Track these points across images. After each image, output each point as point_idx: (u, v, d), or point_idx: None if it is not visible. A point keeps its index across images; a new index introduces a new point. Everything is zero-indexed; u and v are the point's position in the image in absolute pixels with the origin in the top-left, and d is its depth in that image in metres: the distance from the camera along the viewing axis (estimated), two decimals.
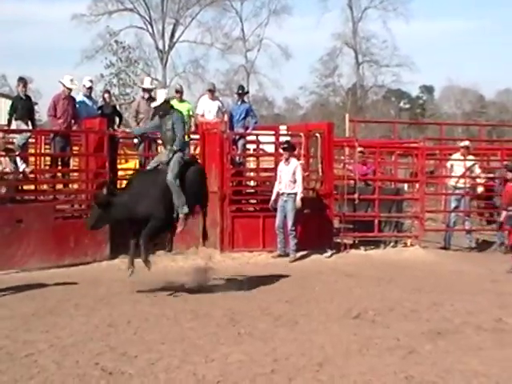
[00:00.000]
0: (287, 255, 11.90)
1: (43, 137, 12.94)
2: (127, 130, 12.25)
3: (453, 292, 9.35)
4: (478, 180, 14.02)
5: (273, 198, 12.03)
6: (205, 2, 43.57)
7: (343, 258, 12.22)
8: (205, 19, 44.21)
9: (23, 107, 12.10)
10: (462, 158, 13.82)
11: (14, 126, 12.01)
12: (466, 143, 14.12)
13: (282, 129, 14.64)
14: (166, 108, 9.15)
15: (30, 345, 6.45)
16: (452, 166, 13.99)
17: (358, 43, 45.48)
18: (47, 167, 12.68)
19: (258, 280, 9.90)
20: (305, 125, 15.61)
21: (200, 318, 7.61)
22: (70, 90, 12.19)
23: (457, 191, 13.73)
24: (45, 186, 12.38)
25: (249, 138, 13.53)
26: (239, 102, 13.41)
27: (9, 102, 13.39)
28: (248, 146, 13.81)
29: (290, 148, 12.29)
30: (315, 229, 12.40)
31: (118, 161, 13.32)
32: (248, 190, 13.75)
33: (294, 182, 11.94)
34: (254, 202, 13.26)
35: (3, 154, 11.08)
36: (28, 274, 10.05)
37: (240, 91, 13.72)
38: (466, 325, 7.47)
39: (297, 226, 11.98)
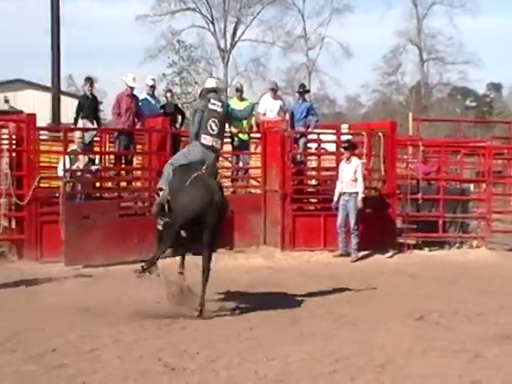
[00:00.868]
0: (348, 255, 11.80)
1: (107, 135, 13.18)
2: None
3: None
4: None
5: (335, 198, 11.94)
6: (267, 0, 43.61)
7: (406, 259, 12.03)
8: (266, 18, 44.27)
9: (89, 106, 12.39)
10: None
11: (80, 124, 12.30)
12: None
13: (344, 127, 14.52)
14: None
15: (94, 339, 6.58)
16: None
17: (423, 40, 44.68)
18: (111, 165, 12.92)
19: (320, 279, 9.84)
20: (367, 123, 15.46)
21: (261, 317, 7.61)
22: (133, 88, 12.40)
23: None
24: (109, 184, 12.64)
25: (310, 136, 13.46)
26: (300, 101, 13.37)
27: (75, 102, 13.71)
28: (309, 144, 13.74)
29: (351, 147, 12.19)
30: (377, 228, 12.25)
31: None
32: (309, 189, 13.69)
33: (356, 181, 11.83)
34: (315, 200, 13.19)
35: (80, 152, 11.38)
36: (93, 270, 10.27)
37: (301, 90, 13.68)
38: None
39: (359, 226, 11.85)
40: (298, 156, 13.20)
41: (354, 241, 11.78)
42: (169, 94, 13.68)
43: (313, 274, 10.19)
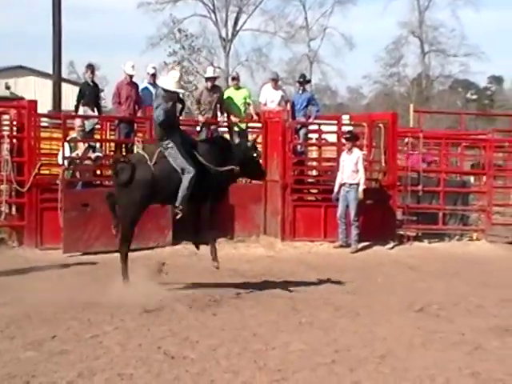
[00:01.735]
0: (349, 246, 11.80)
1: (108, 123, 13.14)
2: None
3: None
4: None
5: (336, 189, 11.92)
6: None
7: (406, 251, 12.03)
8: (268, 7, 44.14)
9: (90, 93, 12.33)
10: None
11: (80, 111, 12.25)
12: None
13: (345, 118, 14.47)
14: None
15: (95, 326, 6.58)
16: None
17: (425, 32, 44.52)
18: (112, 153, 12.88)
19: (319, 270, 9.83)
20: (368, 115, 15.42)
21: (261, 306, 7.61)
22: (132, 76, 12.35)
23: None
24: (109, 172, 12.58)
25: (311, 127, 13.43)
26: (301, 91, 13.33)
27: (76, 89, 13.67)
28: (310, 135, 13.71)
29: (353, 138, 12.16)
30: (378, 220, 12.24)
31: None
32: (310, 180, 13.67)
33: (357, 172, 11.82)
34: (316, 191, 13.17)
35: (80, 140, 11.34)
36: (93, 257, 10.26)
37: (301, 80, 13.63)
38: None
39: (359, 217, 11.84)
40: (299, 146, 13.17)
41: (354, 232, 11.77)
42: None
43: (313, 265, 10.19)
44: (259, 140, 12.92)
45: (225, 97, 12.98)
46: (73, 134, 11.48)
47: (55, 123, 12.92)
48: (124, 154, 12.45)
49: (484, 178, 13.80)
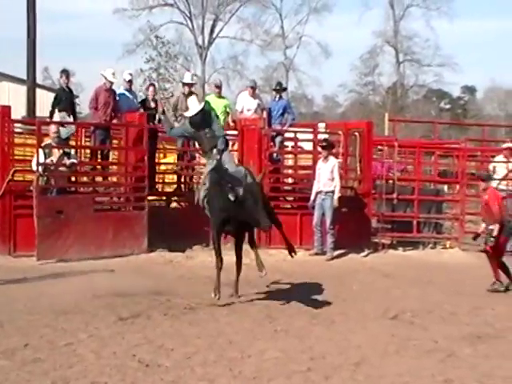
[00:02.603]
0: (324, 253, 11.84)
1: (83, 129, 13.06)
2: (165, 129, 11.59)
3: (493, 296, 9.19)
4: None
5: (312, 197, 11.97)
6: None
7: (381, 258, 12.10)
8: (245, 15, 44.27)
9: (66, 99, 12.25)
10: (505, 159, 13.56)
11: (57, 117, 12.15)
12: (510, 145, 13.84)
13: (321, 126, 14.55)
14: (203, 118, 8.47)
15: (69, 334, 6.53)
16: (494, 167, 13.72)
17: (400, 42, 44.97)
18: (87, 159, 12.81)
19: (295, 278, 9.85)
20: (344, 123, 15.51)
21: (236, 314, 7.61)
22: (112, 83, 12.30)
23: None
24: (84, 178, 12.52)
25: (287, 135, 13.47)
26: (277, 99, 13.38)
27: (51, 95, 13.56)
28: (286, 143, 13.75)
29: (329, 146, 12.23)
30: (353, 228, 12.29)
31: (157, 155, 13.40)
32: (285, 187, 13.71)
33: (332, 179, 11.87)
34: (292, 199, 13.21)
35: (55, 146, 11.23)
36: (67, 265, 10.17)
37: (278, 87, 13.69)
38: (507, 330, 7.32)
39: (335, 225, 11.89)
40: (275, 154, 13.21)
41: (329, 240, 11.82)
42: (151, 89, 13.38)
43: (288, 272, 10.20)
44: (235, 147, 13.02)
45: (205, 101, 12.98)
46: (47, 141, 11.38)
47: (29, 129, 12.80)
48: (99, 160, 12.42)
49: (457, 186, 13.94)
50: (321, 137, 12.93)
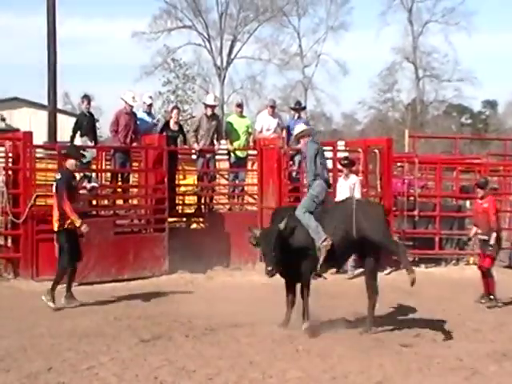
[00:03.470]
0: (345, 272, 11.75)
1: (104, 153, 13.18)
2: None
3: None
4: None
5: None
6: (263, 18, 43.87)
7: (403, 276, 11.90)
8: (262, 35, 44.53)
9: (88, 124, 12.39)
10: None
11: (79, 142, 12.30)
12: None
13: (340, 144, 14.53)
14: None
15: (91, 357, 6.54)
16: None
17: (419, 57, 44.90)
18: (107, 183, 12.90)
19: (316, 296, 9.78)
20: (363, 140, 15.46)
21: (257, 334, 7.57)
22: (132, 106, 12.41)
23: None
24: (105, 202, 12.61)
25: None
26: (295, 118, 13.39)
27: (72, 120, 13.72)
28: None
29: (350, 164, 12.19)
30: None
31: (176, 176, 13.46)
32: None
33: None
34: None
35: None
36: (89, 288, 10.22)
37: (297, 106, 13.71)
38: None
39: None
40: (294, 173, 13.20)
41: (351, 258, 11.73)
42: (175, 112, 13.31)
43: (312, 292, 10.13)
44: (255, 167, 13.05)
45: (227, 121, 13.12)
46: None
47: (51, 154, 12.95)
48: (120, 183, 12.50)
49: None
50: (341, 155, 12.91)
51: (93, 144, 12.43)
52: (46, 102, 17.15)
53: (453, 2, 44.92)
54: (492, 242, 9.34)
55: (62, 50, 15.87)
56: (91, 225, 10.65)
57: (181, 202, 13.72)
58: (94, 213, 11.96)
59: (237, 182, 13.17)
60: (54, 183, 9.48)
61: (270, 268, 7.53)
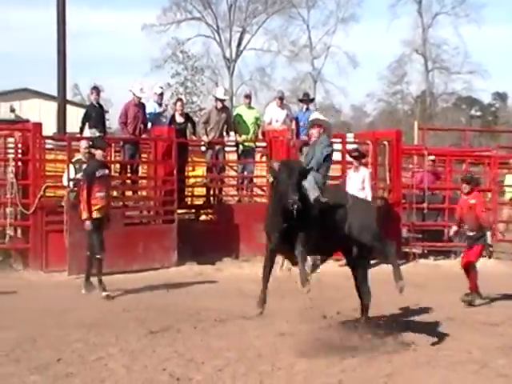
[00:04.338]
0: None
1: (113, 144, 13.19)
2: None
3: None
4: None
5: None
6: (272, 9, 43.69)
7: (411, 268, 11.95)
8: (271, 27, 44.32)
9: (97, 115, 12.40)
10: None
11: (87, 133, 12.31)
12: None
13: (349, 136, 14.49)
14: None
15: (100, 348, 6.56)
16: None
17: (428, 50, 44.64)
18: (117, 174, 12.92)
19: (324, 288, 9.77)
20: (372, 132, 15.42)
21: (266, 326, 7.56)
22: (140, 98, 12.41)
23: None
24: (114, 193, 12.62)
25: None
26: (304, 110, 13.35)
27: (81, 111, 13.73)
28: None
29: (361, 156, 12.13)
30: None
31: (186, 168, 13.46)
32: None
33: (363, 189, 11.78)
34: None
35: (85, 161, 11.34)
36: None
37: (305, 98, 13.65)
38: None
39: None
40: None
41: None
42: (179, 104, 13.30)
43: (318, 284, 10.12)
44: (263, 159, 13.03)
45: (235, 114, 13.11)
46: (78, 156, 11.52)
47: (60, 145, 12.97)
48: (129, 174, 12.52)
49: (489, 194, 13.75)
50: (351, 147, 12.87)
51: (102, 135, 12.43)
52: (55, 93, 17.16)
53: None
54: (489, 241, 9.07)
55: (71, 41, 15.84)
56: None
57: (190, 194, 13.73)
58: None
59: (245, 173, 13.15)
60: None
61: (295, 197, 6.57)
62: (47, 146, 12.24)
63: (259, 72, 44.65)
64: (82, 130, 12.43)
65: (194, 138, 12.89)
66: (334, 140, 14.42)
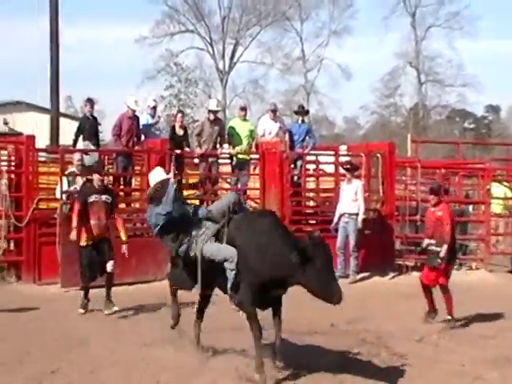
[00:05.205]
0: (347, 276, 11.74)
1: (106, 156, 13.18)
2: None
3: None
4: None
5: (335, 219, 11.92)
6: (265, 22, 43.95)
7: (405, 280, 11.97)
8: (265, 39, 44.61)
9: (90, 127, 12.41)
10: None
11: (80, 145, 12.31)
12: None
13: (342, 149, 14.54)
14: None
15: (94, 360, 6.56)
16: None
17: (421, 62, 44.93)
18: (110, 186, 12.90)
19: (318, 300, 9.76)
20: (365, 144, 15.48)
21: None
22: (134, 110, 12.43)
23: None
24: None
25: (309, 157, 13.47)
26: (299, 122, 13.37)
27: (74, 123, 13.74)
28: (308, 166, 13.74)
29: (354, 169, 12.18)
30: (376, 250, 12.23)
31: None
32: (308, 211, 13.68)
33: (356, 201, 11.82)
34: (314, 222, 13.16)
35: (79, 174, 11.32)
36: (91, 291, 10.20)
37: (300, 110, 13.66)
38: None
39: (358, 247, 11.82)
40: (296, 177, 13.20)
41: (353, 262, 11.75)
42: (179, 116, 13.17)
43: (310, 295, 10.11)
44: (257, 171, 13.04)
45: (229, 126, 13.13)
46: (71, 168, 11.51)
47: (53, 158, 12.96)
48: (122, 186, 12.51)
49: (482, 207, 13.80)
50: (344, 159, 12.91)
51: (95, 148, 12.44)
52: (48, 106, 17.16)
53: (457, 6, 44.92)
54: (442, 254, 8.40)
55: (65, 53, 15.87)
56: None
57: None
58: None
59: (239, 186, 13.16)
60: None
61: None
62: (40, 159, 12.23)
63: (252, 84, 44.90)
64: (75, 142, 12.43)
65: (188, 149, 12.89)
66: (327, 152, 14.63)
